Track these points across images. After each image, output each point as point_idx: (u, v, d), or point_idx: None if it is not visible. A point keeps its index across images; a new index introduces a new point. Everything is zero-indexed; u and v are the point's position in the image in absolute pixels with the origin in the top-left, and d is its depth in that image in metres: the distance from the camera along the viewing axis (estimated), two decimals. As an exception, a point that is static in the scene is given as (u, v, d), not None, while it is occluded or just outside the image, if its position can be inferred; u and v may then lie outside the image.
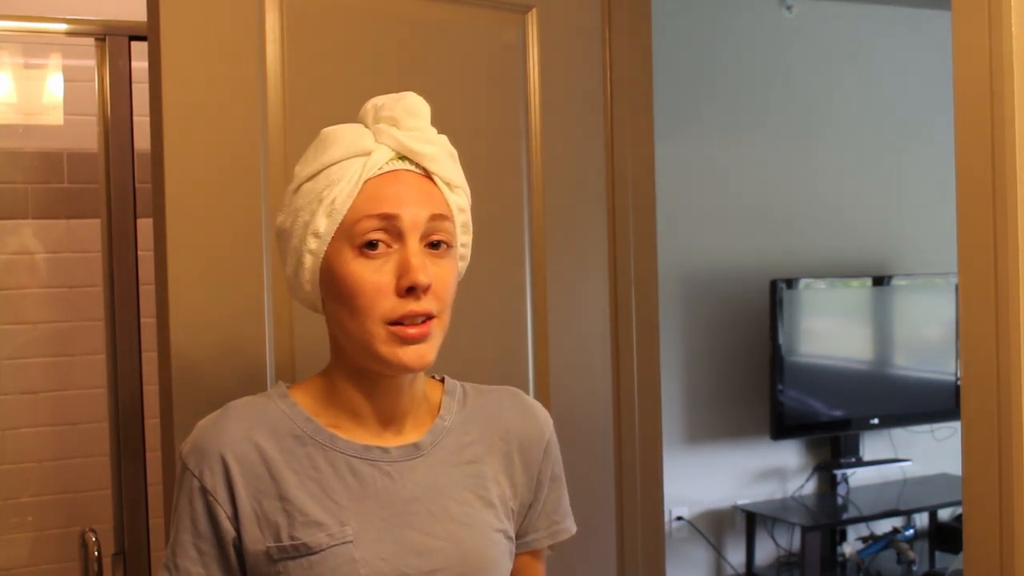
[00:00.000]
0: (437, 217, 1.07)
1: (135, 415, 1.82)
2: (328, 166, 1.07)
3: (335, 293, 1.07)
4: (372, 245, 1.04)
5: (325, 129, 1.11)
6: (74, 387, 2.38)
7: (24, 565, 2.35)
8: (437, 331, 1.07)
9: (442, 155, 1.10)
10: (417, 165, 1.08)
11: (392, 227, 1.05)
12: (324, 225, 1.06)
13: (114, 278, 1.82)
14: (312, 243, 1.07)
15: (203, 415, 1.11)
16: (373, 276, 1.04)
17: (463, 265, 1.16)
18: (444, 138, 1.12)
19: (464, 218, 1.13)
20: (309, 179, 1.08)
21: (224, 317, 1.44)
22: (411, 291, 1.03)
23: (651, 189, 1.96)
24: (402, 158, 1.08)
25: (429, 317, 1.05)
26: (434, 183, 1.09)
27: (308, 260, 1.08)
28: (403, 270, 1.04)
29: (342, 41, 1.56)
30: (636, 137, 1.93)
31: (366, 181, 1.06)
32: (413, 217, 1.05)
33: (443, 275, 1.07)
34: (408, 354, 1.05)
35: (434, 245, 1.07)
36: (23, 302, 2.37)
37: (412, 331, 1.04)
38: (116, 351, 1.82)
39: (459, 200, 1.11)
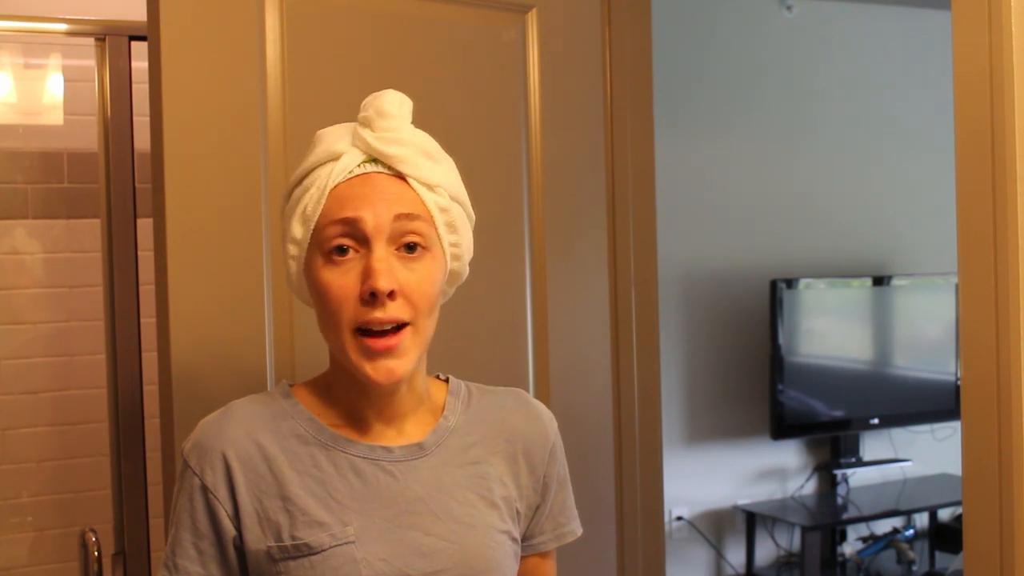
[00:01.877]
0: (404, 217, 1.04)
1: (135, 415, 1.82)
2: (308, 172, 1.08)
3: (313, 299, 1.08)
4: (339, 251, 1.03)
5: (318, 131, 1.11)
6: (74, 387, 2.38)
7: (24, 565, 2.35)
8: (411, 342, 1.04)
9: (414, 154, 1.07)
10: (389, 166, 1.06)
11: (356, 231, 1.03)
12: (299, 232, 1.06)
13: (114, 278, 1.82)
14: (293, 250, 1.08)
15: (203, 415, 1.11)
16: (339, 282, 1.03)
17: (458, 265, 1.13)
18: (421, 135, 1.10)
19: (447, 217, 1.09)
20: (296, 185, 1.09)
21: (224, 317, 1.44)
22: (374, 296, 1.01)
23: (651, 189, 1.96)
24: (374, 160, 1.06)
25: (400, 326, 1.03)
26: (408, 183, 1.06)
27: (292, 266, 1.09)
28: (365, 275, 1.02)
29: (342, 41, 1.56)
30: (636, 137, 1.93)
31: (336, 186, 1.05)
32: (376, 219, 1.02)
33: (418, 280, 1.04)
34: (377, 369, 1.03)
35: (408, 247, 1.04)
36: (23, 302, 2.37)
37: (380, 344, 1.02)
38: (116, 351, 1.82)
39: (439, 199, 1.08)
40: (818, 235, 3.91)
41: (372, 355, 1.02)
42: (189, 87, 1.43)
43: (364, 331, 1.02)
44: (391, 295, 1.02)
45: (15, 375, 2.34)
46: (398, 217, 1.04)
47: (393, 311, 1.02)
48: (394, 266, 1.03)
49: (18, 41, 2.36)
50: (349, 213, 1.03)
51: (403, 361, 1.04)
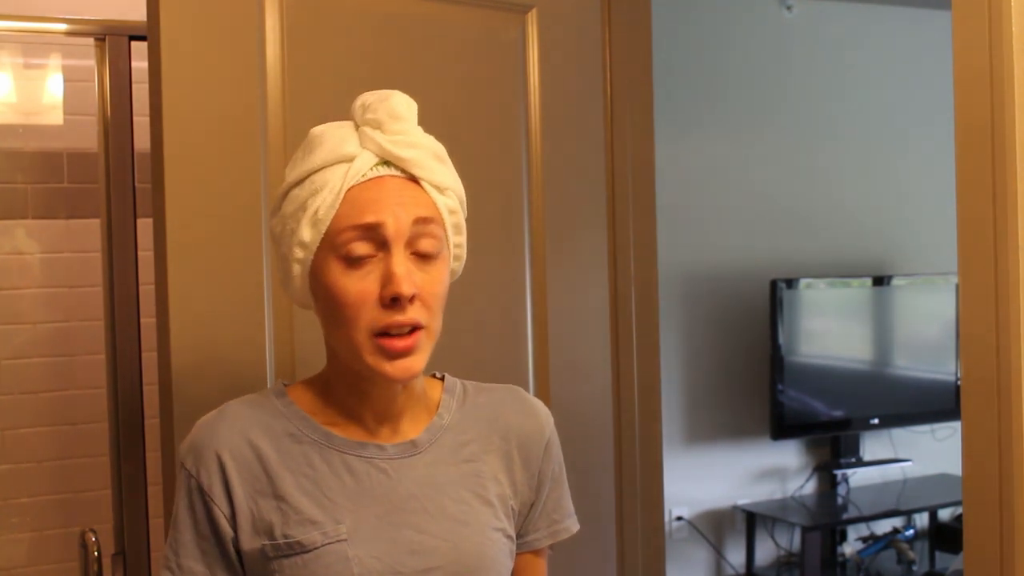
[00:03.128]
0: (422, 220, 1.05)
1: (135, 415, 1.81)
2: (312, 172, 1.06)
3: (323, 302, 1.07)
4: (356, 255, 1.03)
5: (313, 130, 1.10)
6: (74, 387, 2.38)
7: (24, 565, 2.35)
8: (425, 341, 1.06)
9: (427, 158, 1.08)
10: (402, 170, 1.07)
11: (375, 236, 1.03)
12: (309, 235, 1.05)
13: (114, 278, 1.82)
14: (299, 253, 1.07)
15: (203, 415, 1.12)
16: (357, 286, 1.03)
17: (458, 265, 1.15)
18: (430, 139, 1.10)
19: (455, 219, 1.11)
20: (296, 185, 1.08)
21: (224, 317, 1.44)
22: (395, 301, 1.02)
23: (651, 189, 1.96)
24: (386, 163, 1.06)
25: (416, 327, 1.04)
26: (420, 186, 1.07)
27: (296, 269, 1.08)
28: (386, 280, 1.02)
29: (342, 41, 1.56)
30: (636, 137, 1.93)
31: (349, 189, 1.04)
32: (396, 224, 1.03)
33: (431, 282, 1.05)
34: (396, 368, 1.04)
35: (423, 251, 1.05)
36: (23, 302, 2.37)
37: (399, 344, 1.03)
38: (116, 351, 1.82)
39: (448, 202, 1.09)
40: (818, 235, 3.91)
41: (392, 355, 1.03)
42: (189, 87, 1.43)
43: (381, 332, 1.03)
44: (411, 299, 1.03)
45: (15, 375, 2.34)
46: (416, 221, 1.04)
47: (413, 314, 1.03)
48: (411, 270, 1.04)
49: (18, 41, 2.36)
50: (370, 218, 1.03)
51: (419, 357, 1.05)
